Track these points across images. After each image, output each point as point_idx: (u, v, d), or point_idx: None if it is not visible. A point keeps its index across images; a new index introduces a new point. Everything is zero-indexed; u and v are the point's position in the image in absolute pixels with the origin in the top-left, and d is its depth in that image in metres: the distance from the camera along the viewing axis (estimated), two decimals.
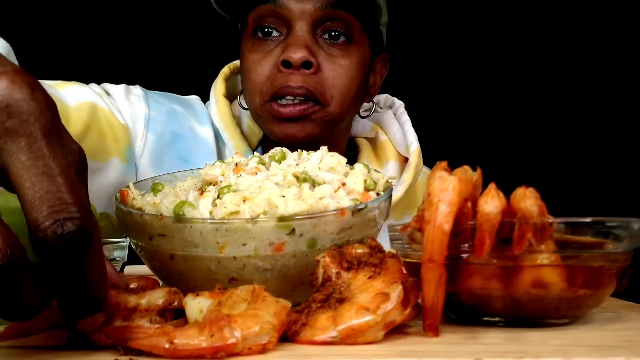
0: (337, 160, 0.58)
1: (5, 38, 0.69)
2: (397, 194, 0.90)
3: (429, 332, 0.44)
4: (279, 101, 0.82)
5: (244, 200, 0.51)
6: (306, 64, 0.81)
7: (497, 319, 0.48)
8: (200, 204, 0.52)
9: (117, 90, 0.89)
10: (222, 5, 0.90)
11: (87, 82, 0.90)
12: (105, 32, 2.17)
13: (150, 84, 0.98)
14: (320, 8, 0.81)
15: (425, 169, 1.04)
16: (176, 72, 2.07)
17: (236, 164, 0.60)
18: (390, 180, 0.60)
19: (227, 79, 0.97)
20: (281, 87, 0.81)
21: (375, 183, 0.57)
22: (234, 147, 0.91)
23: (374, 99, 0.98)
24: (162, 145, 0.89)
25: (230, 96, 0.97)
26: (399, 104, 1.00)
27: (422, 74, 2.23)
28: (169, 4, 2.15)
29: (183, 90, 1.03)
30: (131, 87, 0.92)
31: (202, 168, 0.62)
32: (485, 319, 0.48)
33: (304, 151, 0.63)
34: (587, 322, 0.50)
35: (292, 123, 0.83)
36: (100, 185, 0.82)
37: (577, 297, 0.46)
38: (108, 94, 0.88)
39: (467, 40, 2.24)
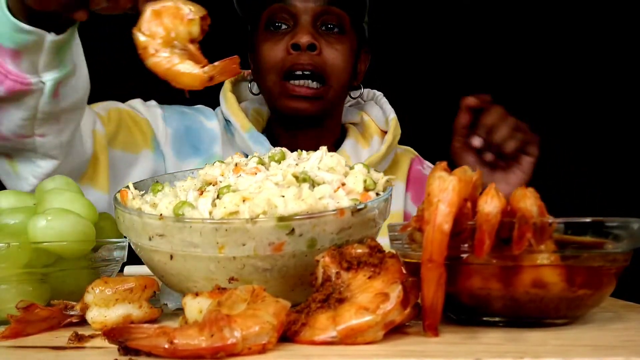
0: (337, 160, 0.58)
1: None
2: (380, 151, 1.09)
3: (428, 332, 0.44)
4: (293, 82, 1.00)
5: (244, 201, 0.51)
6: (311, 47, 0.99)
7: (497, 319, 0.48)
8: (200, 204, 0.52)
9: (135, 101, 1.09)
10: (241, 5, 1.10)
11: (95, 90, 0.98)
12: (116, 44, 2.17)
13: (158, 92, 1.04)
14: (319, 5, 1.01)
15: (407, 148, 1.22)
16: None
17: (236, 164, 0.60)
18: (390, 180, 0.60)
19: (234, 84, 1.15)
20: (292, 64, 0.99)
21: (374, 183, 0.57)
22: (241, 128, 1.06)
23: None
24: (179, 136, 1.07)
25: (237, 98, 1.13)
26: (379, 94, 1.20)
27: (424, 75, 2.23)
28: None
29: (191, 94, 1.09)
30: (146, 102, 1.11)
31: (202, 168, 0.62)
32: (485, 319, 0.48)
33: (304, 151, 0.63)
34: (587, 322, 0.50)
35: (302, 101, 1.01)
36: (140, 175, 0.99)
37: (576, 297, 0.46)
38: (129, 105, 1.07)
39: (468, 40, 2.24)
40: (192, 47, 0.52)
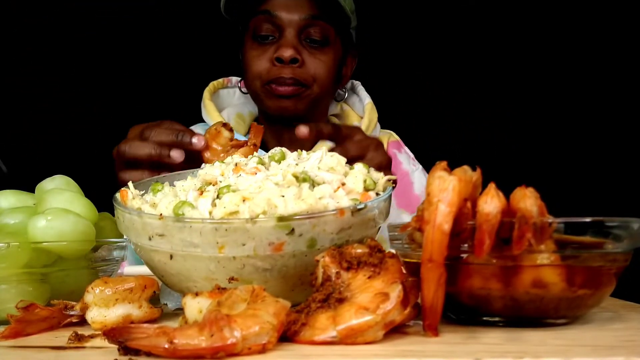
0: (337, 160, 0.58)
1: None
2: None
3: (428, 332, 0.44)
4: (275, 85, 1.06)
5: (244, 200, 0.51)
6: (294, 60, 1.04)
7: (497, 319, 0.48)
8: (200, 204, 0.52)
9: None
10: (229, 14, 1.13)
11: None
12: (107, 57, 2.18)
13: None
14: (304, 18, 1.05)
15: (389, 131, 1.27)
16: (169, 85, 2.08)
17: (236, 164, 0.60)
18: (390, 180, 0.60)
19: (213, 92, 1.22)
20: (276, 77, 1.05)
21: (374, 183, 0.57)
22: None
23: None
24: None
25: (216, 107, 1.21)
26: (357, 82, 1.24)
27: (425, 75, 2.23)
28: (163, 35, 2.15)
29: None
30: None
31: (202, 168, 0.62)
32: (485, 319, 0.48)
33: (304, 151, 0.63)
34: (587, 322, 0.50)
35: (285, 99, 1.06)
36: None
37: (576, 297, 0.46)
38: None
39: (470, 40, 2.24)
40: (234, 141, 0.71)
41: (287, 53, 1.03)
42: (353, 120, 1.22)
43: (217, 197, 0.53)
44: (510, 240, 0.44)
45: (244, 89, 1.19)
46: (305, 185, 0.53)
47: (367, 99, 1.20)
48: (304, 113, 1.09)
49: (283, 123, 1.10)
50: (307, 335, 0.43)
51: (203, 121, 1.20)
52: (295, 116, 1.08)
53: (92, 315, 0.49)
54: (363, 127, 1.15)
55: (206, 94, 1.20)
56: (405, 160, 1.23)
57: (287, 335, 0.43)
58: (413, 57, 2.23)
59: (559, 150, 2.26)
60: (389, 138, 1.25)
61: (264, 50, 1.07)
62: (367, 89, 1.23)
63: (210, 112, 1.17)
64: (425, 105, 2.23)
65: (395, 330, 0.44)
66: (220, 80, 1.25)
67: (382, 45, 2.18)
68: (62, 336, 0.47)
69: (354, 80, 1.26)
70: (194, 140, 0.71)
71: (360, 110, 1.21)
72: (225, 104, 1.24)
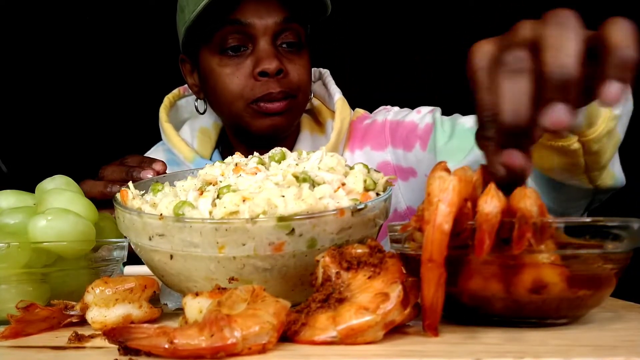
0: (337, 160, 0.58)
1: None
2: (330, 141, 1.06)
3: (428, 332, 0.44)
4: (264, 103, 0.96)
5: (244, 200, 0.51)
6: (279, 72, 0.95)
7: (497, 319, 0.48)
8: (200, 204, 0.52)
9: None
10: (190, 31, 0.99)
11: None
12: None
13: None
14: (279, 22, 0.95)
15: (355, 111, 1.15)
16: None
17: (236, 164, 0.60)
18: (390, 180, 0.60)
19: (170, 108, 1.13)
20: (263, 94, 0.95)
21: (375, 183, 0.57)
22: (185, 159, 1.07)
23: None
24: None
25: (175, 122, 1.13)
26: (325, 72, 1.15)
27: (425, 74, 2.23)
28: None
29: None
30: None
31: (202, 168, 0.62)
32: (485, 319, 0.48)
33: (304, 151, 0.63)
34: (587, 322, 0.50)
35: (277, 116, 0.97)
36: None
37: (577, 298, 0.46)
38: None
39: (469, 38, 2.24)
40: None
41: (273, 65, 0.93)
42: (326, 117, 1.12)
43: (217, 197, 0.53)
44: (510, 240, 0.44)
45: (201, 109, 1.08)
46: (305, 185, 0.53)
47: (337, 94, 1.10)
48: (292, 127, 1.02)
49: (265, 141, 0.99)
50: (307, 335, 0.43)
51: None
52: (284, 132, 1.01)
53: (92, 315, 0.49)
54: (335, 131, 1.06)
55: (163, 114, 1.10)
56: (380, 114, 1.11)
57: (287, 335, 0.43)
58: (413, 56, 2.23)
59: None
60: (357, 116, 1.14)
61: (238, 65, 0.96)
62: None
63: (169, 136, 1.08)
64: (425, 104, 2.23)
65: (395, 330, 0.44)
66: (175, 91, 1.15)
67: (381, 43, 2.19)
68: (62, 336, 0.47)
69: (321, 70, 1.16)
70: (142, 175, 0.70)
71: (331, 104, 1.11)
72: (186, 115, 1.15)
